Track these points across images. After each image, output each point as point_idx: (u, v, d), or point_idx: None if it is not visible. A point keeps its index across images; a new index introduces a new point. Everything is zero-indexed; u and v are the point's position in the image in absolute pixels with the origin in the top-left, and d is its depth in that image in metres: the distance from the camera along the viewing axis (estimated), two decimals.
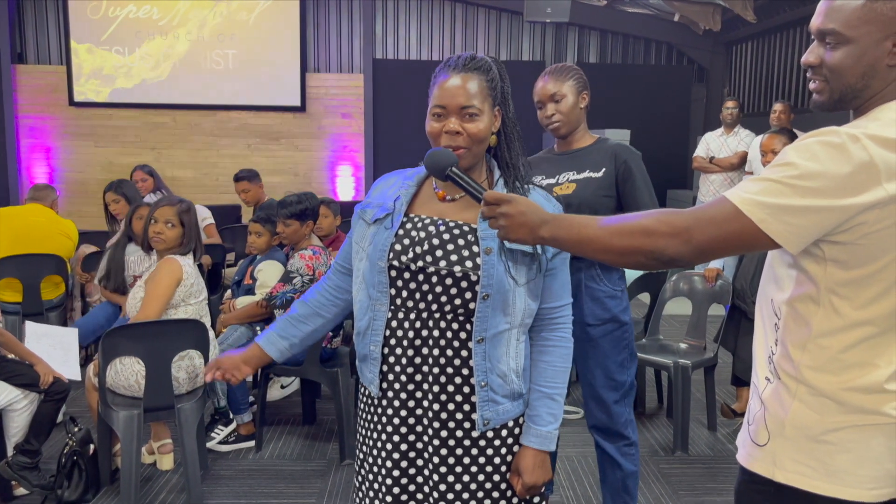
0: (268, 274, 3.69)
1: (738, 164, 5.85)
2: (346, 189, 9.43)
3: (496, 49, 9.51)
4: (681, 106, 9.50)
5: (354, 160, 9.43)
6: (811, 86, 1.32)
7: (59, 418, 3.21)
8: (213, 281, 4.73)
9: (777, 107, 5.52)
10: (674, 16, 8.74)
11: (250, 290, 3.77)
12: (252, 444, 3.60)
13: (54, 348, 3.12)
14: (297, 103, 9.12)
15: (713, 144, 6.07)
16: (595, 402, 2.52)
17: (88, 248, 4.69)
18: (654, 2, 8.63)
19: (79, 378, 3.22)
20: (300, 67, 9.03)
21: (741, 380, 3.86)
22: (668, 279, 4.13)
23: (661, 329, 4.07)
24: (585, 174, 2.47)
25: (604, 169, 2.45)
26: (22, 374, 2.98)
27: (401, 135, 9.03)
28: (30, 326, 3.36)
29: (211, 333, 3.15)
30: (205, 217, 5.07)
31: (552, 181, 2.52)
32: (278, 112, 9.18)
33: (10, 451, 2.99)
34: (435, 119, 1.54)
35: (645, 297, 4.54)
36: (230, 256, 5.77)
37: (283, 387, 4.30)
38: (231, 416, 3.62)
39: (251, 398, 3.77)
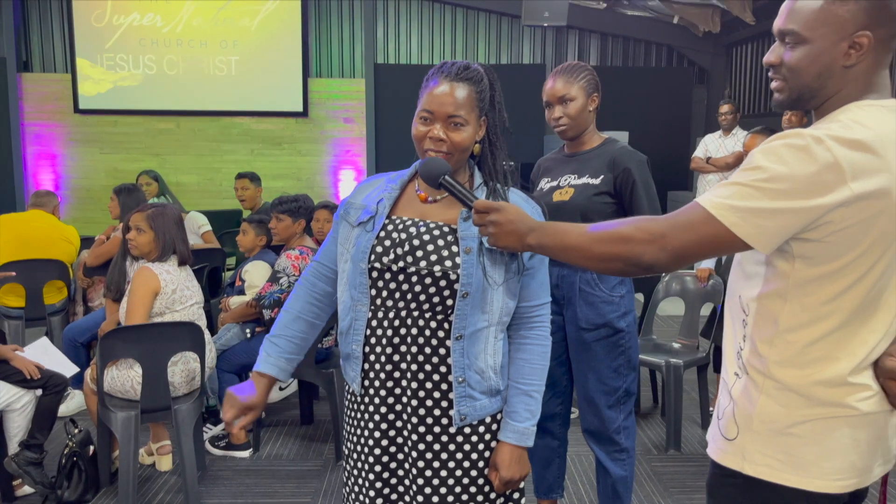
0: (254, 275, 3.76)
1: (734, 164, 5.87)
2: (348, 193, 9.46)
3: (497, 53, 9.54)
4: (682, 108, 9.50)
5: (357, 164, 9.47)
6: (772, 84, 1.36)
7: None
8: (214, 285, 4.78)
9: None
10: (673, 18, 8.75)
11: (242, 291, 3.84)
12: (245, 454, 3.54)
13: (45, 364, 3.15)
14: (300, 108, 9.17)
15: (711, 146, 6.11)
16: (587, 405, 2.50)
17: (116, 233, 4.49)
18: (653, 4, 8.65)
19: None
20: (302, 73, 9.08)
21: None
22: (661, 280, 4.15)
23: (654, 329, 4.10)
24: (584, 180, 2.40)
25: (602, 176, 2.38)
26: (17, 371, 3.02)
27: (402, 139, 9.01)
28: (44, 341, 3.41)
29: (207, 336, 3.19)
30: (202, 224, 5.11)
31: (554, 184, 2.46)
32: (281, 117, 9.23)
33: (10, 451, 3.04)
34: (421, 122, 1.57)
35: (638, 298, 4.56)
36: (231, 260, 5.80)
37: (281, 388, 4.34)
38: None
39: None
